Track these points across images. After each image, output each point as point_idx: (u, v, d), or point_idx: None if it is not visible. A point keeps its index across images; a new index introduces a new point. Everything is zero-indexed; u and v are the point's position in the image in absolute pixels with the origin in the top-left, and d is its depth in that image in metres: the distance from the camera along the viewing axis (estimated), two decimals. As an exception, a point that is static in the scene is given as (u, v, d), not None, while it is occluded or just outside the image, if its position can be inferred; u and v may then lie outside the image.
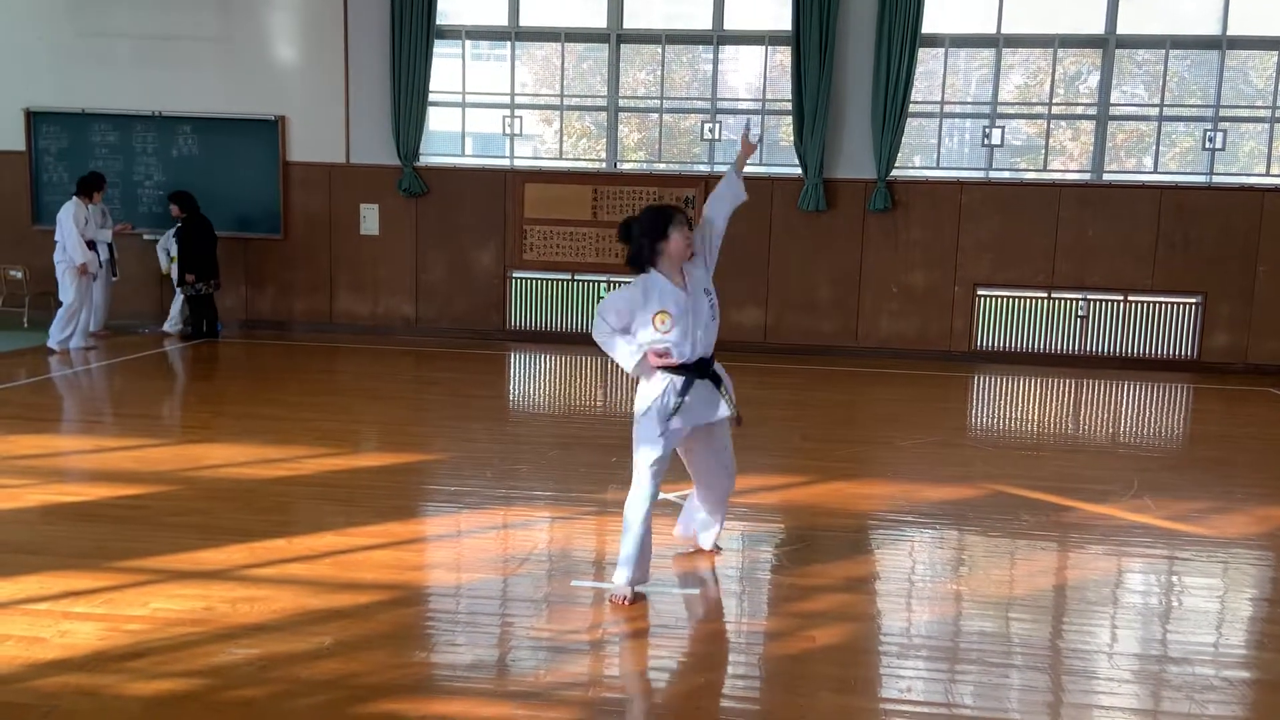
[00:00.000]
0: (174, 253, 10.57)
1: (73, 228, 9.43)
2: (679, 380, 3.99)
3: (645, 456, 4.05)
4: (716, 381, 4.11)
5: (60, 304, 9.63)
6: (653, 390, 4.01)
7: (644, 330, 3.97)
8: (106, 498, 5.15)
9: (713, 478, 4.36)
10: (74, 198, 9.64)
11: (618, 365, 4.08)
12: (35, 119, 11.46)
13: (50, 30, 11.34)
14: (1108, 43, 10.62)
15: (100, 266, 9.82)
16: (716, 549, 4.66)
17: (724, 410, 4.12)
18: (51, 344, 9.50)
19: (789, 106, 10.82)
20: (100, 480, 5.48)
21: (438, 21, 11.00)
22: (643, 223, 4.05)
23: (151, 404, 8.00)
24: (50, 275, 9.94)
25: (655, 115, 11.39)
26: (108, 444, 6.36)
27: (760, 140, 11.16)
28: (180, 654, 3.42)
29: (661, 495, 4.35)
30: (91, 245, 9.70)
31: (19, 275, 11.03)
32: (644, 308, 3.96)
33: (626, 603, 4.00)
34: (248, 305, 11.71)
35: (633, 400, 4.12)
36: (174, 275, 10.65)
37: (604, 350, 4.06)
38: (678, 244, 3.97)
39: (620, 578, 4.05)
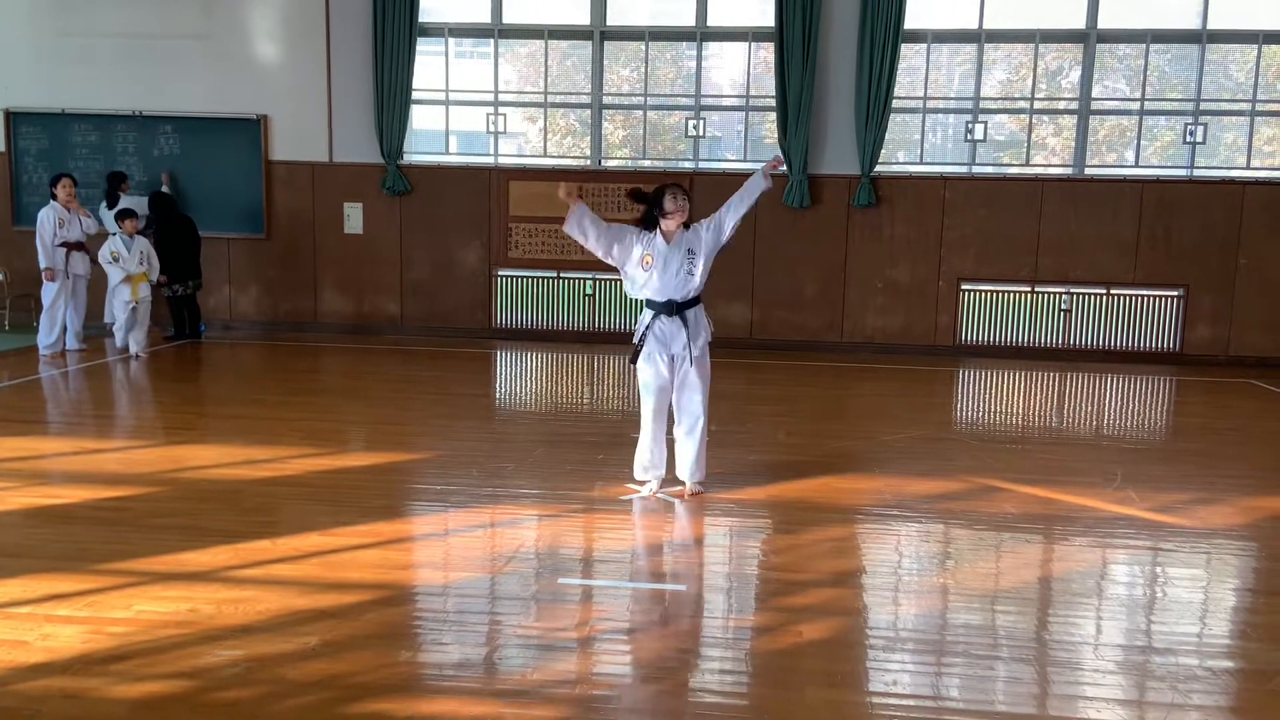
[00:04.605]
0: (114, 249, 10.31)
1: (38, 234, 9.35)
2: (649, 314, 5.30)
3: (640, 375, 5.40)
4: (685, 323, 5.25)
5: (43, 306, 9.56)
6: (641, 322, 5.32)
7: (630, 264, 5.26)
8: (90, 500, 5.12)
9: (682, 413, 5.41)
10: (51, 201, 9.56)
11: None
12: (15, 119, 11.38)
13: (30, 30, 11.25)
14: (1089, 37, 10.67)
15: (83, 271, 9.71)
16: (694, 490, 5.43)
17: (680, 344, 5.26)
18: (42, 351, 9.43)
19: (773, 103, 10.84)
20: (83, 482, 5.44)
21: (420, 19, 10.98)
22: (651, 196, 5.30)
23: (135, 405, 7.96)
24: (30, 277, 9.86)
25: (639, 112, 11.39)
26: (91, 446, 6.31)
27: (744, 137, 11.22)
28: (165, 656, 3.40)
29: (654, 494, 5.39)
30: (79, 246, 9.61)
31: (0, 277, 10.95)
32: (636, 244, 5.23)
33: (652, 495, 5.38)
34: (231, 305, 11.66)
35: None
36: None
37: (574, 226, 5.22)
38: (671, 205, 5.20)
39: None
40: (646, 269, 5.23)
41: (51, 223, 9.40)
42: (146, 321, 9.73)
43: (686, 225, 5.31)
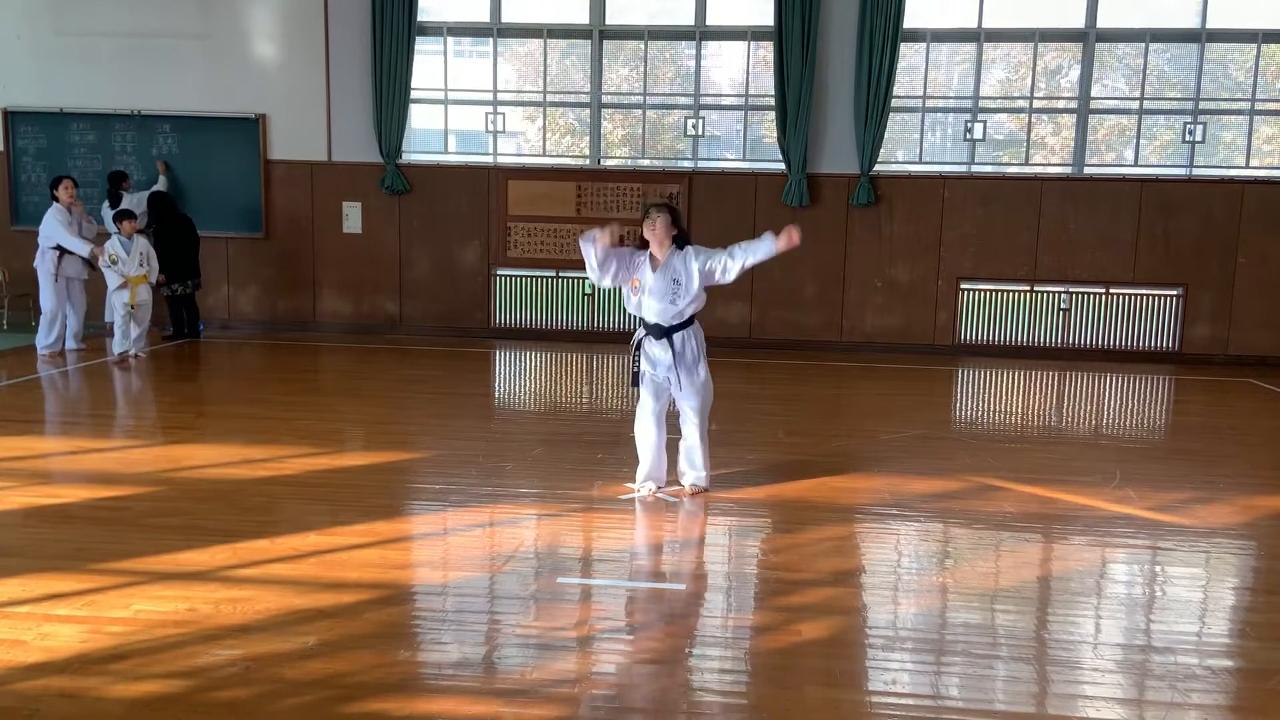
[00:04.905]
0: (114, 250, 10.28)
1: (62, 231, 9.34)
2: (641, 331, 5.36)
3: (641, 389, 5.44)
4: (672, 345, 5.25)
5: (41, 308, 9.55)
6: (636, 334, 5.38)
7: (624, 283, 5.35)
8: (88, 499, 5.11)
9: (683, 422, 5.42)
10: (54, 203, 9.54)
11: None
12: (13, 119, 11.37)
13: (29, 29, 11.24)
14: (1088, 36, 10.67)
15: (76, 273, 9.70)
16: (694, 489, 5.45)
17: (666, 366, 5.28)
18: (40, 351, 9.42)
19: (772, 102, 10.84)
20: (82, 482, 5.43)
21: (419, 18, 10.97)
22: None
23: (134, 405, 7.95)
24: (28, 277, 9.83)
25: (639, 111, 11.38)
26: (90, 445, 6.31)
27: (743, 137, 11.20)
28: (163, 655, 3.40)
29: (653, 494, 5.38)
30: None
31: (-2, 277, 10.94)
32: (629, 267, 5.30)
33: (651, 495, 5.37)
34: (230, 305, 11.65)
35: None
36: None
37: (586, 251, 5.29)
38: (647, 231, 5.25)
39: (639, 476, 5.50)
40: (635, 291, 5.27)
41: (60, 222, 9.40)
42: (146, 323, 9.70)
43: (681, 244, 5.26)
